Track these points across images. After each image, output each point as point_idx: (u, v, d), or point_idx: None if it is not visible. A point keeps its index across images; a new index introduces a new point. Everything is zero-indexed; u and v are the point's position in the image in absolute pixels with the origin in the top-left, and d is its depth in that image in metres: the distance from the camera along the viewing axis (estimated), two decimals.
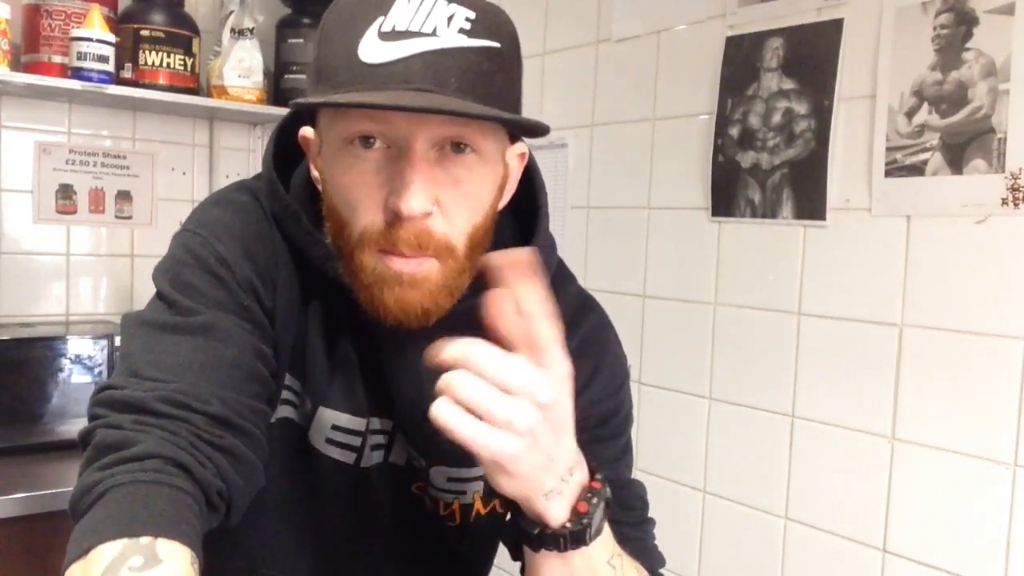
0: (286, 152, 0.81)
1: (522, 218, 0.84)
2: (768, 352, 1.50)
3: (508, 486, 0.62)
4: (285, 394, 0.80)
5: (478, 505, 0.87)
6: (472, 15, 0.67)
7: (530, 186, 0.83)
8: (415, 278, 0.69)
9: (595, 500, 0.66)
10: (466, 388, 0.58)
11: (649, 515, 0.88)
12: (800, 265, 1.45)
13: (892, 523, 1.32)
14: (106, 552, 0.56)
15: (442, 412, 0.58)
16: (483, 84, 0.67)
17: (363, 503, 0.85)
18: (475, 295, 0.76)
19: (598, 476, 0.68)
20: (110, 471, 0.61)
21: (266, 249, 0.77)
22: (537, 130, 0.67)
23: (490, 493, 0.87)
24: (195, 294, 0.72)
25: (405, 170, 0.66)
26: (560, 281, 0.84)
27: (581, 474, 0.66)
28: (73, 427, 1.79)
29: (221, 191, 0.83)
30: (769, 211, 1.49)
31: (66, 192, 2.12)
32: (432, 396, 0.68)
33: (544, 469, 0.62)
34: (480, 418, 0.58)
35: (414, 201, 0.66)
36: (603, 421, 0.84)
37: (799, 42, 1.45)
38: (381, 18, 0.66)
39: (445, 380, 0.59)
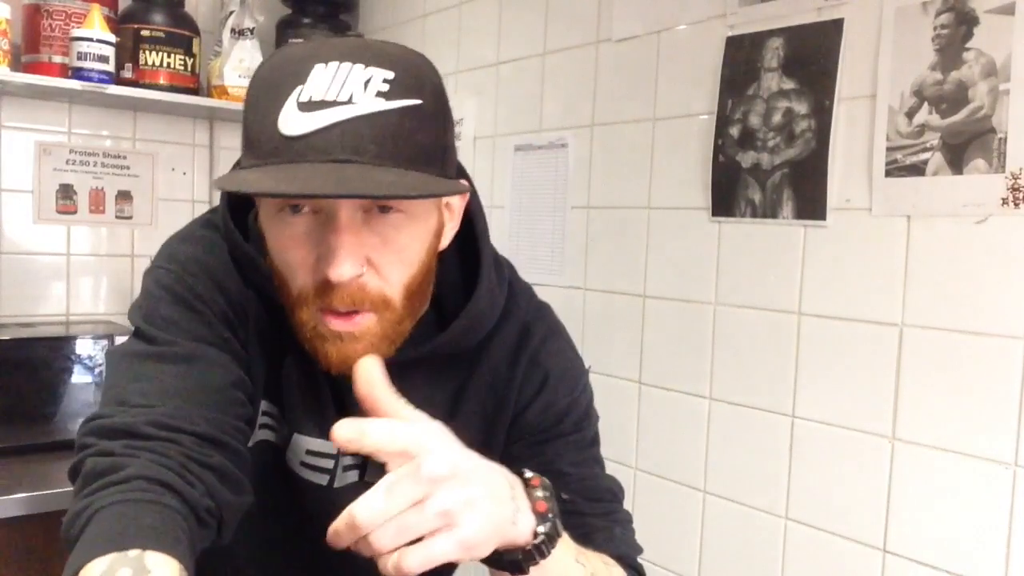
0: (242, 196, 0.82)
1: (468, 251, 0.85)
2: (768, 352, 1.50)
3: (486, 551, 0.61)
4: (264, 419, 0.83)
5: None
6: (390, 75, 0.67)
7: (472, 229, 0.84)
8: (353, 334, 0.71)
9: (544, 493, 0.68)
10: (381, 536, 0.56)
11: (622, 507, 0.89)
12: (800, 265, 1.45)
13: (892, 523, 1.32)
14: (95, 568, 0.56)
15: (392, 566, 0.56)
16: (403, 146, 0.67)
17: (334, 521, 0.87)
18: (441, 331, 0.81)
19: (525, 473, 0.69)
20: (98, 495, 0.62)
21: (236, 282, 0.79)
22: (454, 193, 0.73)
23: None
24: (173, 328, 0.74)
25: (331, 238, 0.68)
26: (510, 306, 0.88)
27: (518, 480, 0.67)
28: (74, 427, 1.78)
29: (187, 227, 0.85)
30: (769, 211, 1.49)
31: (66, 192, 2.12)
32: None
33: (490, 509, 0.60)
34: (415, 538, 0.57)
35: (342, 268, 0.68)
36: (559, 419, 0.87)
37: (799, 42, 1.45)
38: (300, 87, 0.66)
39: (371, 540, 0.56)
